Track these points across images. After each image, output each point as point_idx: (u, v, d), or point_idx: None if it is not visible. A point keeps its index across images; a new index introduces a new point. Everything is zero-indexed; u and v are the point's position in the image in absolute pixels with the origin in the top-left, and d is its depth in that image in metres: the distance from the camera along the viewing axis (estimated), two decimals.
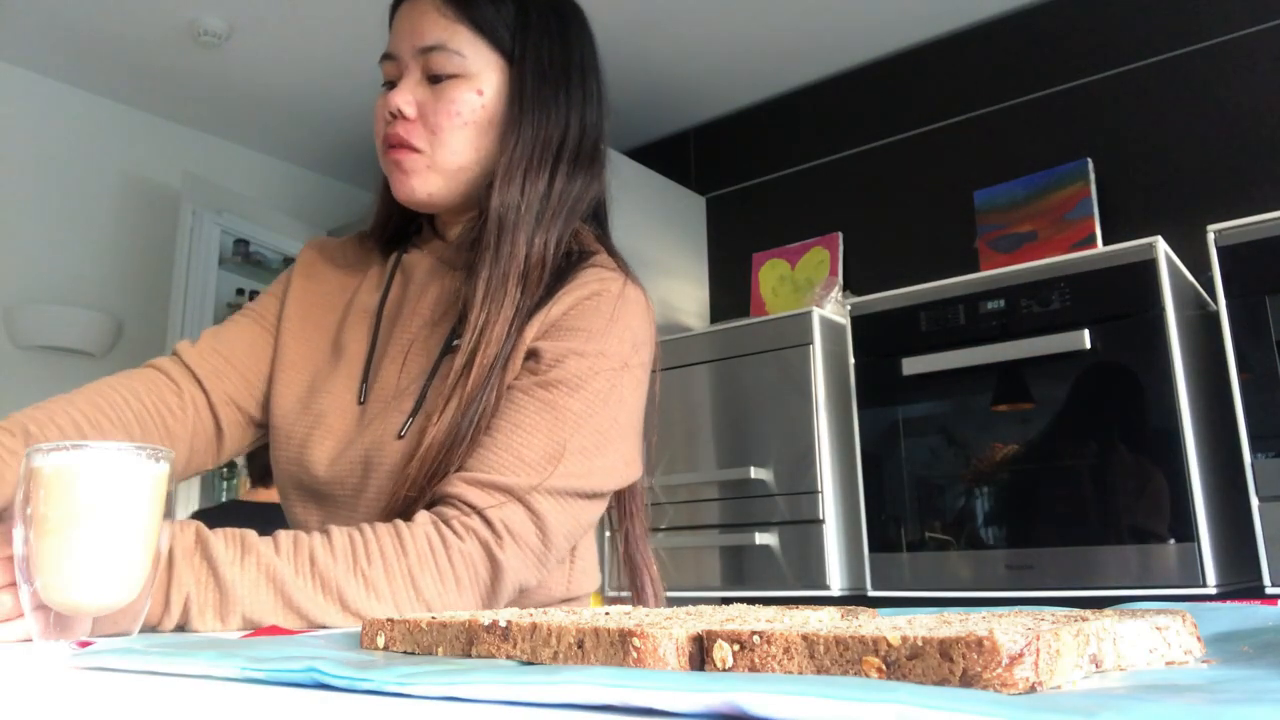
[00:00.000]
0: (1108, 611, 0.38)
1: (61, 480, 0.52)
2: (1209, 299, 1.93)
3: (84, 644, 0.44)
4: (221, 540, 0.64)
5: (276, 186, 3.50)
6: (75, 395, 0.84)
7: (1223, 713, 0.21)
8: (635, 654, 0.32)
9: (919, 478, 2.02)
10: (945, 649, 0.26)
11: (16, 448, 0.75)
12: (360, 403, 0.87)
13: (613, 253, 0.92)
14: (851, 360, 2.14)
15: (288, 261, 3.12)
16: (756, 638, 0.31)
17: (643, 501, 0.94)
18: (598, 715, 0.27)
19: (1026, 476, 1.89)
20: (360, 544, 0.68)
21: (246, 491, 2.40)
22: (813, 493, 2.13)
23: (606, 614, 0.43)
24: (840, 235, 2.85)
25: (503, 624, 0.38)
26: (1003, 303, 1.94)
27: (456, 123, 0.85)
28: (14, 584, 0.54)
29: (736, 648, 0.31)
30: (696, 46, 2.83)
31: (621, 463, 0.80)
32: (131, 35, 2.74)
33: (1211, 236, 1.74)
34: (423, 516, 0.72)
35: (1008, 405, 1.94)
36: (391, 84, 0.88)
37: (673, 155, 3.29)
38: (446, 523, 0.71)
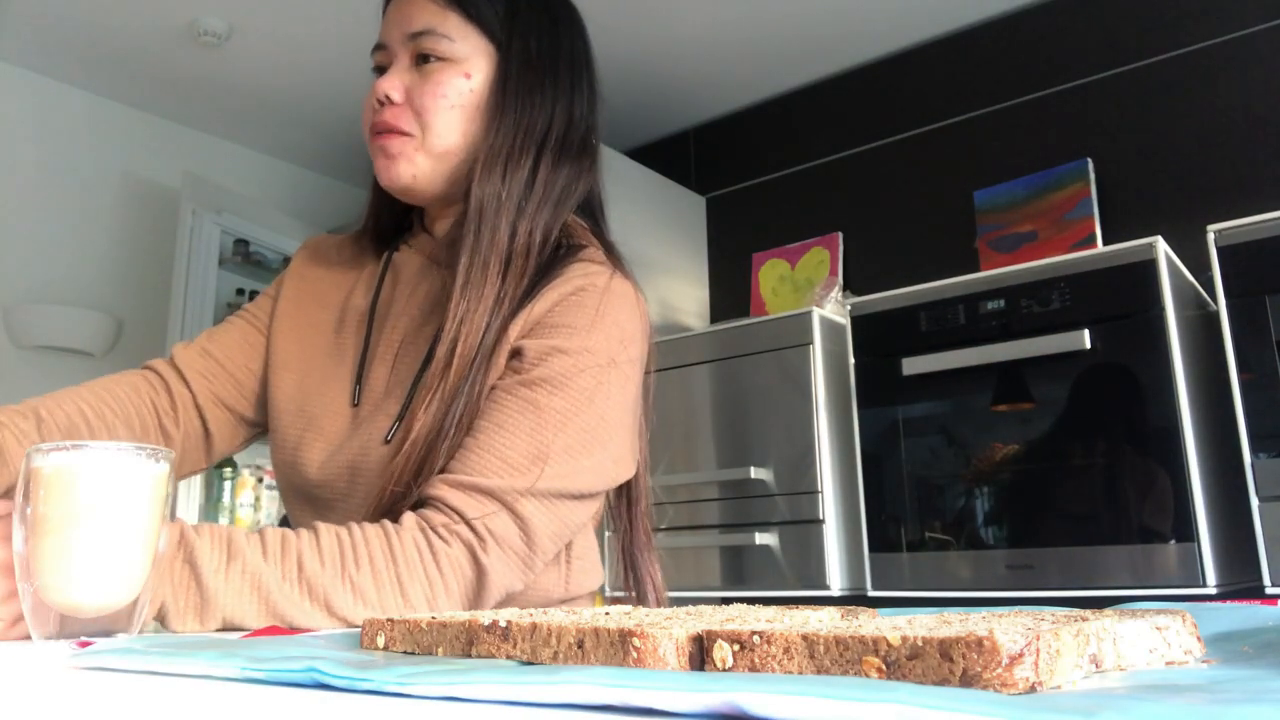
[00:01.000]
0: (1108, 611, 0.38)
1: (61, 480, 0.52)
2: (1209, 299, 1.93)
3: (84, 644, 0.44)
4: (207, 543, 0.63)
5: (276, 186, 3.50)
6: (81, 389, 0.86)
7: (1223, 713, 0.21)
8: (635, 654, 0.32)
9: (919, 478, 2.02)
10: (945, 649, 0.26)
11: (30, 429, 0.77)
12: (354, 404, 0.87)
13: (606, 246, 0.91)
14: (851, 360, 2.14)
15: (288, 261, 3.11)
16: (756, 638, 0.31)
17: (646, 503, 0.92)
18: (598, 715, 0.27)
19: (1026, 476, 1.89)
20: (349, 547, 0.67)
21: None
22: (813, 493, 2.13)
23: (606, 614, 0.43)
24: (840, 235, 2.85)
25: (503, 624, 0.38)
26: (1003, 303, 1.94)
27: (443, 105, 0.85)
28: (14, 593, 0.54)
29: (736, 648, 0.31)
30: (696, 46, 2.83)
31: (610, 461, 0.79)
32: (131, 35, 2.74)
33: (1211, 236, 1.74)
34: (409, 520, 0.71)
35: (1008, 405, 1.94)
36: (381, 71, 0.89)
37: (673, 155, 3.29)
38: (432, 527, 0.70)
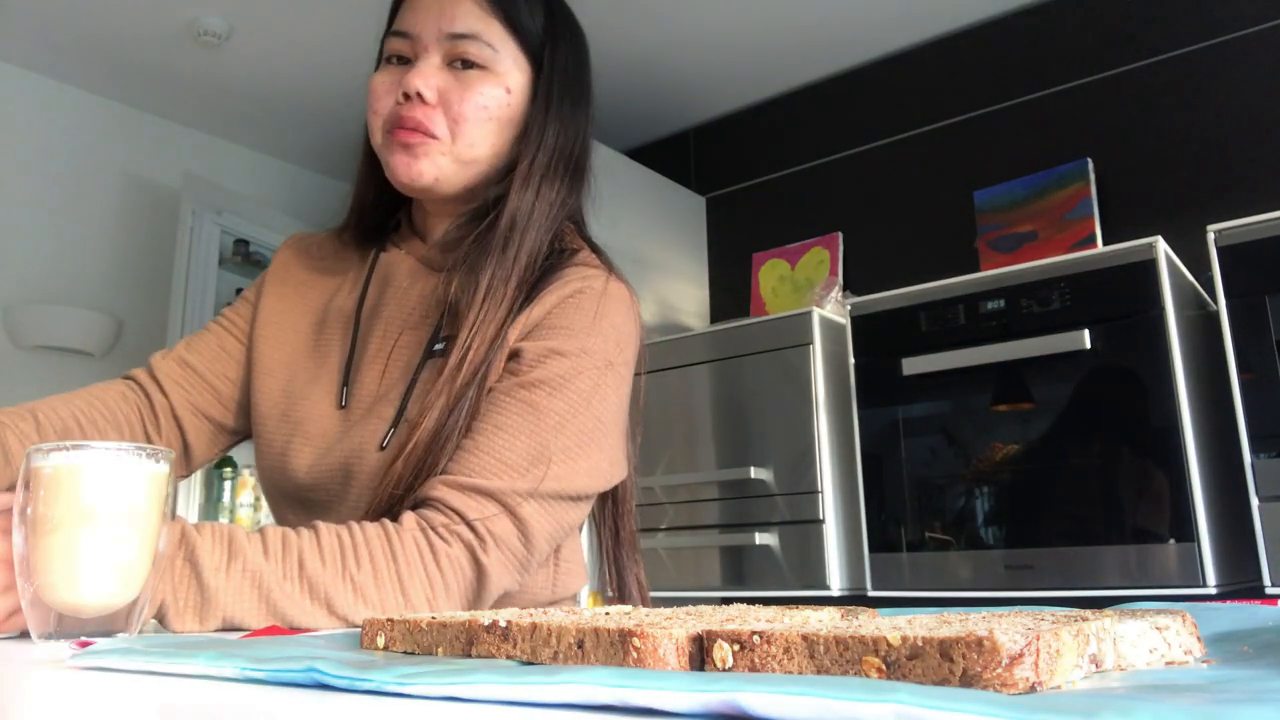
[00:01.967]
0: (1108, 611, 0.38)
1: (61, 480, 0.52)
2: (1209, 299, 1.93)
3: (84, 644, 0.44)
4: (208, 541, 0.63)
5: (276, 186, 3.50)
6: (72, 395, 0.86)
7: (1223, 713, 0.21)
8: (635, 654, 0.32)
9: (919, 478, 2.02)
10: (945, 649, 0.26)
11: (29, 431, 0.78)
12: (341, 407, 0.86)
13: (595, 248, 0.91)
14: (851, 360, 2.14)
15: None
16: (756, 638, 0.31)
17: (631, 502, 0.93)
18: (598, 715, 0.27)
19: (1026, 476, 1.89)
20: (350, 546, 0.67)
21: None
22: (813, 493, 2.13)
23: (606, 614, 0.43)
24: (840, 235, 2.85)
25: (503, 624, 0.38)
26: (1003, 303, 1.94)
27: (482, 116, 0.84)
28: (13, 586, 0.54)
29: (736, 648, 0.31)
30: (696, 46, 2.83)
31: (606, 463, 0.79)
32: (131, 35, 2.74)
33: (1211, 236, 1.74)
34: (409, 520, 0.71)
35: (1008, 405, 1.94)
36: (399, 61, 0.86)
37: (673, 155, 3.29)
38: (433, 527, 0.70)
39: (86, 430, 0.83)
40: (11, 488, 0.71)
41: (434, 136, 0.83)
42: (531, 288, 0.82)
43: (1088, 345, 1.80)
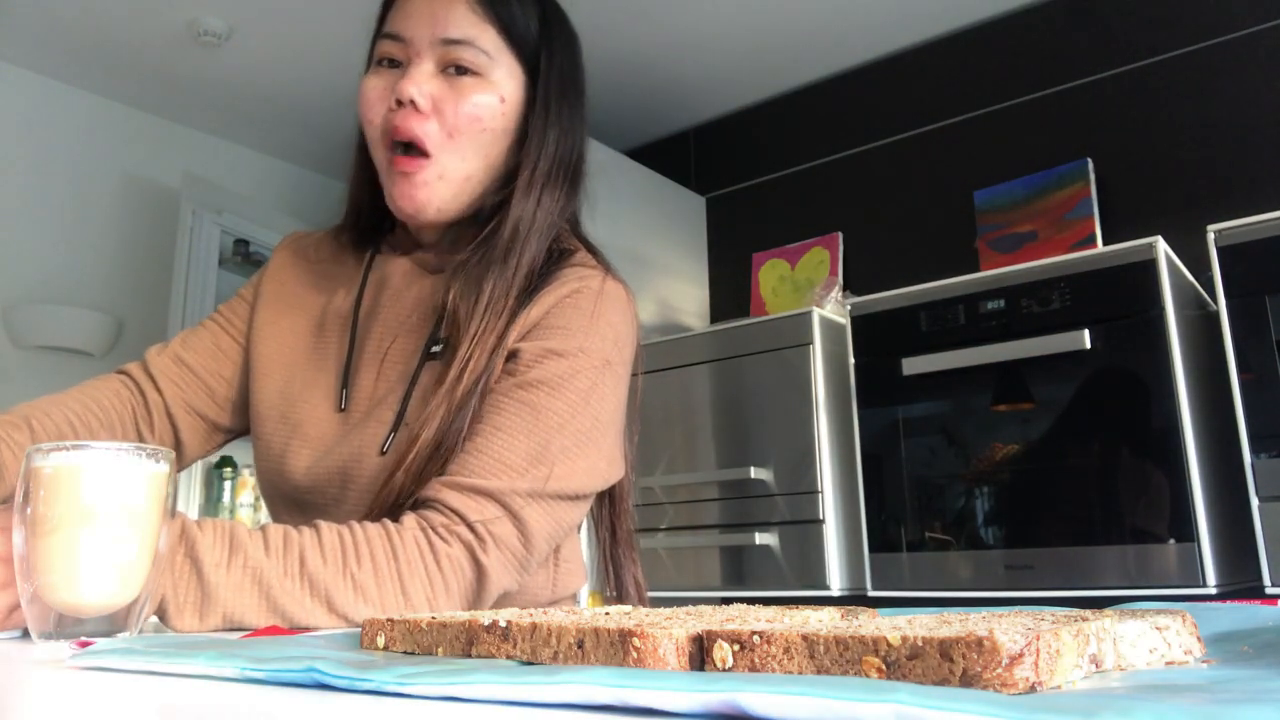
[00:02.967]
0: (1108, 611, 0.38)
1: (61, 480, 0.52)
2: (1209, 299, 1.93)
3: (84, 644, 0.44)
4: (209, 537, 0.63)
5: (276, 186, 3.50)
6: (66, 396, 0.86)
7: (1223, 713, 0.21)
8: (635, 654, 0.32)
9: (919, 478, 2.02)
10: (945, 649, 0.26)
11: (23, 440, 0.77)
12: (340, 409, 0.85)
13: (590, 248, 0.91)
14: (851, 360, 2.14)
15: None
16: (756, 638, 0.31)
17: (629, 501, 0.93)
18: (598, 715, 0.27)
19: (1026, 476, 1.89)
20: (351, 544, 0.67)
21: None
22: (813, 493, 2.13)
23: (606, 614, 0.43)
24: (840, 235, 2.85)
25: (503, 624, 0.38)
26: (1003, 303, 1.94)
27: (477, 127, 0.83)
28: (11, 583, 0.54)
29: (736, 648, 0.31)
30: (696, 46, 2.82)
31: (604, 462, 0.79)
32: (131, 35, 2.74)
33: (1211, 236, 1.74)
34: (410, 520, 0.71)
35: (1008, 405, 1.94)
36: (390, 64, 0.84)
37: (673, 155, 3.29)
38: (433, 527, 0.70)
39: (81, 435, 0.82)
40: (6, 500, 0.72)
41: (427, 154, 0.81)
42: (531, 290, 0.82)
43: (1088, 345, 1.80)
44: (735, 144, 3.19)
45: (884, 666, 0.28)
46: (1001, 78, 2.64)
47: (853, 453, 2.11)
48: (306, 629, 0.64)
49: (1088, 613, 0.37)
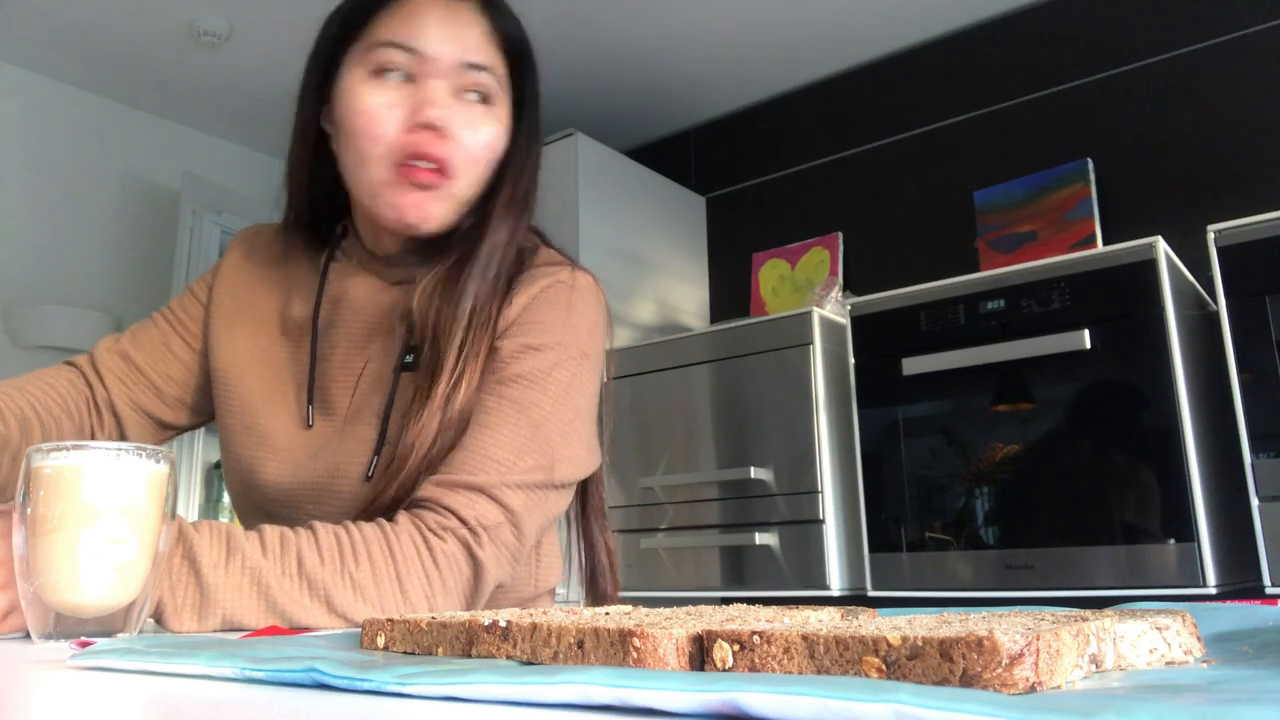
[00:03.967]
0: (1108, 611, 0.38)
1: (61, 480, 0.52)
2: (1209, 299, 1.93)
3: (84, 644, 0.44)
4: (206, 539, 0.63)
5: (276, 186, 3.49)
6: (23, 382, 0.86)
7: (1223, 713, 0.21)
8: (635, 654, 0.32)
9: (919, 478, 2.02)
10: (945, 649, 0.26)
11: (9, 433, 0.78)
12: (308, 426, 0.84)
13: (545, 240, 0.92)
14: (851, 360, 2.14)
15: None
16: (756, 638, 0.31)
17: (601, 480, 0.94)
18: (598, 715, 0.27)
19: (1026, 476, 1.89)
20: (348, 544, 0.67)
21: None
22: (813, 493, 2.13)
23: (606, 614, 0.43)
24: (840, 235, 2.85)
25: (503, 624, 0.38)
26: (1003, 303, 1.94)
27: (489, 156, 0.83)
28: (11, 583, 0.54)
29: (736, 648, 0.31)
30: (696, 46, 2.82)
31: (584, 451, 0.81)
32: (131, 35, 2.74)
33: (1211, 236, 1.74)
34: (404, 519, 0.71)
35: (1008, 405, 1.94)
36: (399, 76, 0.80)
37: (673, 155, 3.29)
38: (427, 526, 0.71)
39: (44, 419, 0.83)
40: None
41: (447, 174, 0.80)
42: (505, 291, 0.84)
43: (1088, 345, 1.80)
44: (735, 144, 3.19)
45: (884, 666, 0.28)
46: (1001, 78, 2.64)
47: (853, 453, 2.11)
48: (306, 629, 0.64)
49: (1088, 613, 0.37)
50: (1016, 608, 0.42)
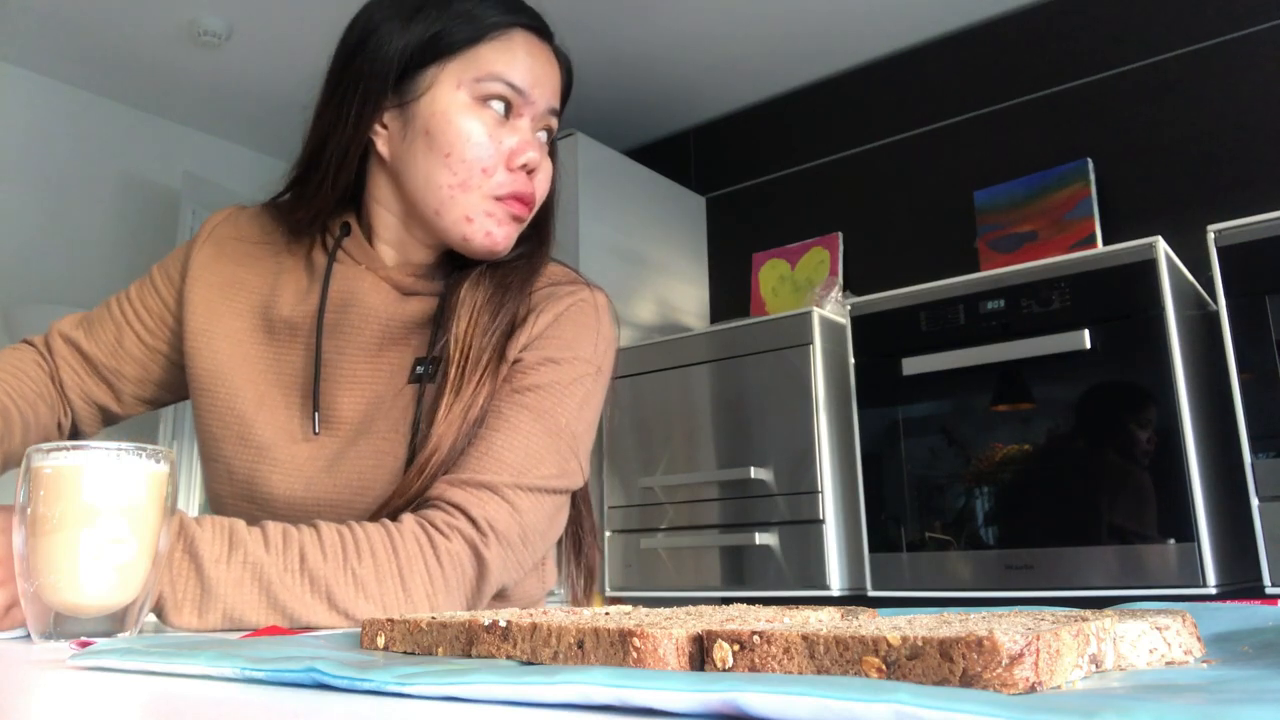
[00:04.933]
0: (1108, 611, 0.38)
1: (61, 480, 0.52)
2: (1209, 299, 1.93)
3: (84, 643, 0.44)
4: (208, 533, 0.63)
5: (276, 186, 3.50)
6: None
7: (1223, 713, 0.21)
8: (635, 654, 0.32)
9: (919, 478, 2.02)
10: (945, 649, 0.26)
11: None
12: (314, 434, 0.81)
13: (553, 260, 0.96)
14: (851, 360, 2.14)
15: None
16: (756, 638, 0.31)
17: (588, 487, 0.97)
18: (598, 715, 0.27)
19: (1026, 476, 1.89)
20: (351, 541, 0.67)
21: None
22: (813, 493, 2.13)
23: (606, 614, 0.43)
24: (840, 235, 2.85)
25: (503, 624, 0.38)
26: (1003, 303, 1.94)
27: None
28: (10, 579, 0.54)
29: (736, 648, 0.31)
30: (696, 46, 2.83)
31: (585, 460, 0.84)
32: (131, 35, 2.74)
33: (1211, 236, 1.74)
34: (408, 518, 0.71)
35: (1008, 405, 1.94)
36: (497, 105, 0.81)
37: (673, 155, 3.29)
38: (432, 523, 0.71)
39: (20, 406, 0.83)
40: None
41: (530, 211, 0.86)
42: (527, 308, 0.86)
43: (1088, 345, 1.80)
44: (735, 144, 3.19)
45: (884, 666, 0.28)
46: (1001, 78, 2.64)
47: (853, 453, 2.11)
48: (307, 626, 0.64)
49: (1088, 613, 0.37)
50: (1016, 608, 0.42)
